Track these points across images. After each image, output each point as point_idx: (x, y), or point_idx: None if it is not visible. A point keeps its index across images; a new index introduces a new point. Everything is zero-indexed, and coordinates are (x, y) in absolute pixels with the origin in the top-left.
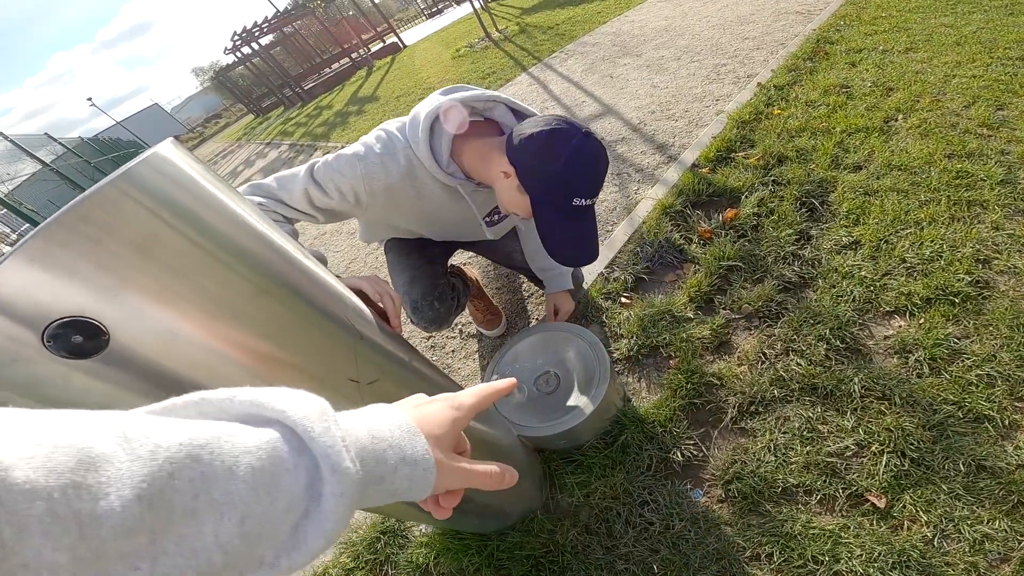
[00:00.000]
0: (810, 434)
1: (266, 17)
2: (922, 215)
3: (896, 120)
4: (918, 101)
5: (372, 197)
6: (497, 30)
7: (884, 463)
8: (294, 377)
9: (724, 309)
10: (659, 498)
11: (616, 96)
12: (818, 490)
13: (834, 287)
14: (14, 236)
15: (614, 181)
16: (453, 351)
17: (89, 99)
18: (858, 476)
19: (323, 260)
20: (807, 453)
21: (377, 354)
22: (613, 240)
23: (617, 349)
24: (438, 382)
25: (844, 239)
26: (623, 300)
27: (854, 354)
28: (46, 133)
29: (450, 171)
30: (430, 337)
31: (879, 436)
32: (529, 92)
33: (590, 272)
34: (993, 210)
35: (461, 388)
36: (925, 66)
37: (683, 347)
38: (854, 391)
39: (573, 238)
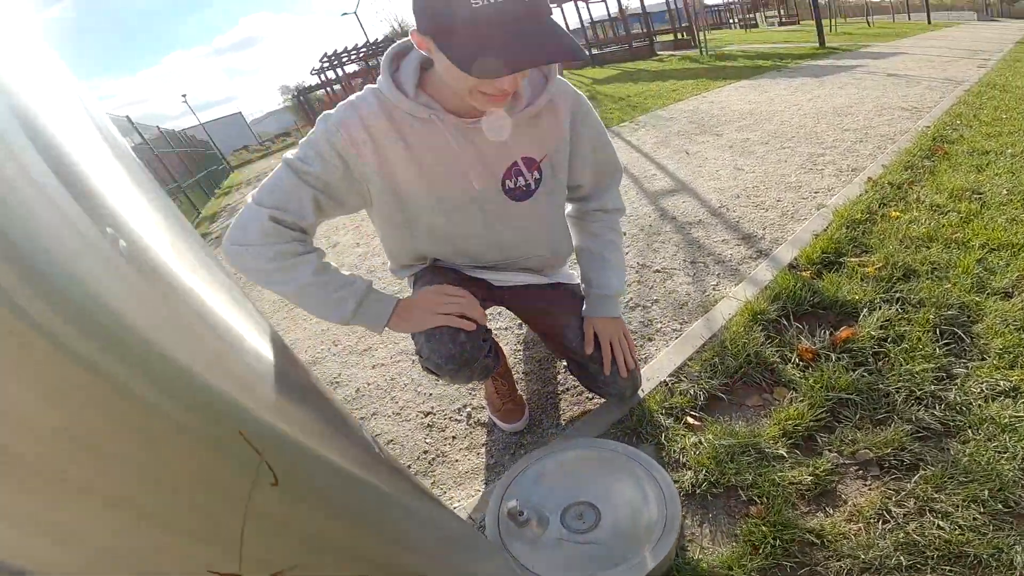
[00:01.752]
0: None
1: (356, 45)
2: None
3: None
4: None
5: (356, 150)
6: None
7: None
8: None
9: (831, 451)
10: None
11: (693, 174)
12: None
13: (991, 440)
14: None
15: (687, 270)
16: (454, 437)
17: (183, 96)
18: None
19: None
20: None
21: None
22: (683, 342)
23: (677, 481)
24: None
25: (1001, 383)
26: (690, 420)
27: (1017, 519)
28: (126, 116)
29: (421, 102)
30: (428, 414)
31: None
32: None
33: (649, 377)
34: None
35: (442, 506)
36: None
37: (772, 492)
38: (1016, 560)
39: (484, 37)
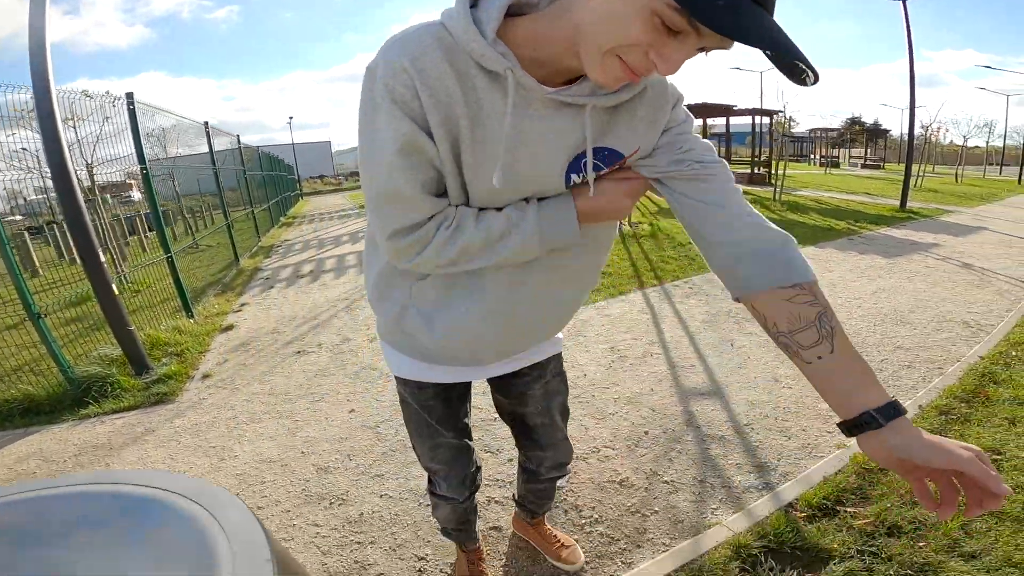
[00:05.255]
0: None
1: None
2: None
3: None
4: None
5: (411, 92)
6: (630, 223)
7: None
8: None
9: None
10: None
11: (730, 375)
12: None
13: None
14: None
15: (694, 488)
16: None
17: (290, 118)
18: None
19: None
20: None
21: None
22: (667, 559)
23: None
24: None
25: None
26: None
27: None
28: (237, 135)
29: (499, 50)
30: (422, 559)
31: None
32: (638, 319)
33: None
34: None
35: None
36: None
37: None
38: None
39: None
